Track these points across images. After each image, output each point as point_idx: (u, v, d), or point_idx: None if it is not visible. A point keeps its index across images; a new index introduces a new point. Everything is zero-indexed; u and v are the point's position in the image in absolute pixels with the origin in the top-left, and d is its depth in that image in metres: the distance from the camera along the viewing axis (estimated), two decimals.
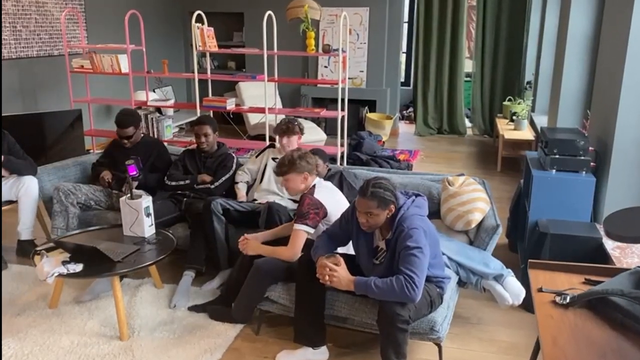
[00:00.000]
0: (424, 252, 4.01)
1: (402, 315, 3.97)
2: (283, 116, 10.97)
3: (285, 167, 4.95)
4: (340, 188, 5.78)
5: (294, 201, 5.84)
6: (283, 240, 5.03)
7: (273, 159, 6.22)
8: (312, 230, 4.82)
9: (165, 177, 6.36)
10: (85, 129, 9.49)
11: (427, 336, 4.33)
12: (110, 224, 5.90)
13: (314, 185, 4.99)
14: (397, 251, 4.10)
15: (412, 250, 3.99)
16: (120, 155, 6.29)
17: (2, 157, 6.16)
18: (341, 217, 4.59)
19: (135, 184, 5.86)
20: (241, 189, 6.30)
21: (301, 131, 6.27)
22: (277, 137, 6.28)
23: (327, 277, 4.19)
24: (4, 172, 6.22)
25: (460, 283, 5.03)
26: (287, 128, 6.20)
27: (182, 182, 6.27)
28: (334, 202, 4.98)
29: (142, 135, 6.71)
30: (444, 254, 4.75)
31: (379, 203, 4.10)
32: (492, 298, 5.01)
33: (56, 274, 4.67)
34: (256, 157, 6.41)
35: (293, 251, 4.77)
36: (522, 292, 4.86)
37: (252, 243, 5.01)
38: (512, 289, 4.88)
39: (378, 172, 6.21)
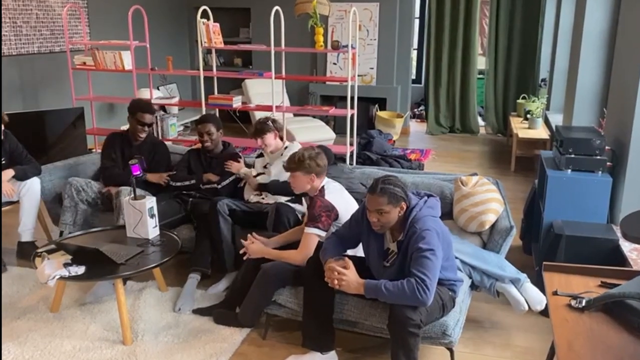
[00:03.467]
0: (436, 254, 4.01)
1: (414, 319, 3.96)
2: (291, 115, 11.04)
3: (294, 164, 4.93)
4: None
5: (299, 202, 5.86)
6: (292, 244, 5.05)
7: (264, 167, 6.25)
8: (323, 234, 4.81)
9: (170, 179, 6.37)
10: (88, 128, 9.52)
11: (439, 340, 4.33)
12: (113, 225, 5.92)
13: (323, 187, 4.99)
14: (408, 253, 4.09)
15: (424, 252, 3.99)
16: (125, 153, 6.31)
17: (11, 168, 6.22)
18: (351, 219, 4.59)
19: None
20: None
21: (276, 128, 6.24)
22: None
23: (335, 281, 4.19)
24: (8, 190, 6.24)
25: (473, 286, 5.03)
26: (256, 129, 6.19)
27: (187, 183, 6.27)
28: (344, 203, 4.98)
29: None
30: (456, 257, 4.75)
31: (390, 199, 4.09)
32: (506, 301, 5.01)
33: (58, 277, 4.68)
34: (253, 167, 6.41)
35: (304, 255, 4.75)
36: (544, 299, 4.83)
37: (255, 246, 5.01)
38: (533, 297, 4.87)
39: (389, 172, 6.21)
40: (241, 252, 5.06)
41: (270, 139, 6.20)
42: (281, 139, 6.31)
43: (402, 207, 4.15)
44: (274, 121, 6.24)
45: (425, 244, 4.00)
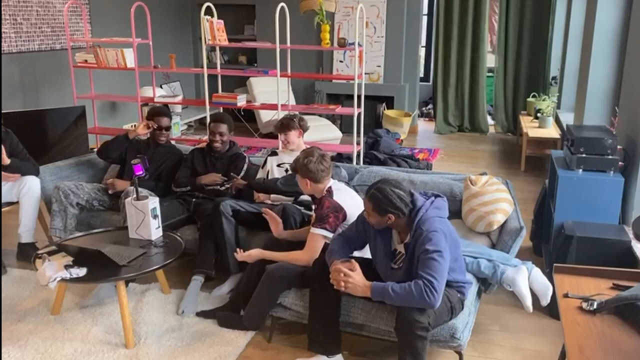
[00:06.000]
0: (443, 255, 4.01)
1: (422, 321, 3.97)
2: (296, 113, 11.03)
3: (294, 165, 5.01)
4: None
5: (304, 205, 5.87)
6: (298, 246, 5.05)
7: (278, 165, 6.25)
8: (330, 235, 4.80)
9: (172, 184, 6.39)
10: (89, 127, 9.51)
11: (447, 344, 4.34)
12: (115, 226, 5.92)
13: (330, 187, 4.98)
14: (415, 255, 4.10)
15: (431, 254, 3.99)
16: (133, 156, 6.30)
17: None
18: (357, 219, 4.60)
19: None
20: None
21: (301, 127, 6.27)
22: (278, 135, 6.33)
23: (342, 283, 4.20)
24: (8, 176, 6.24)
25: (483, 287, 5.03)
26: (282, 124, 6.23)
27: (184, 189, 6.29)
28: (353, 203, 4.97)
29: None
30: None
31: (374, 206, 4.18)
32: (515, 304, 5.02)
33: (59, 279, 4.68)
34: (262, 167, 6.41)
35: (310, 256, 4.75)
36: (549, 289, 4.85)
37: (254, 251, 5.05)
38: (539, 286, 4.87)
39: (397, 172, 6.22)
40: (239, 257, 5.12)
41: (294, 137, 6.22)
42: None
43: (390, 218, 4.18)
44: (300, 119, 6.27)
45: (432, 246, 4.01)
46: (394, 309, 4.17)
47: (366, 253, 4.65)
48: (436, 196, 4.36)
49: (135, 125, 10.82)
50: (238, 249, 5.19)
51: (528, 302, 4.80)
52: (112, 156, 6.70)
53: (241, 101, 9.31)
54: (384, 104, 13.15)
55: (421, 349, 4.02)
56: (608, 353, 2.74)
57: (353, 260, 4.33)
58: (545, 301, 4.88)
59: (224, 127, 6.33)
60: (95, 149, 9.27)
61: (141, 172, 5.60)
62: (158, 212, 5.50)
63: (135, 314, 5.37)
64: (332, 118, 12.72)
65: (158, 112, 6.65)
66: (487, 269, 4.91)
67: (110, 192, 6.38)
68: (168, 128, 6.63)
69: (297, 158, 4.99)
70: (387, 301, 4.11)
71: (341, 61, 13.42)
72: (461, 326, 4.31)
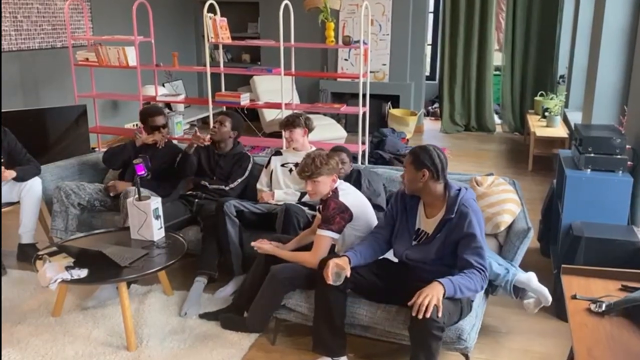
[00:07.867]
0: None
1: (437, 321, 3.95)
2: (302, 112, 11.05)
3: (319, 168, 4.82)
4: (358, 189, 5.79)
5: (306, 204, 5.88)
6: (305, 248, 5.06)
7: (282, 165, 6.28)
8: (336, 236, 4.82)
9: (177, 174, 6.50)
10: (90, 126, 9.51)
11: (453, 346, 4.33)
12: (116, 227, 5.93)
13: (336, 188, 4.96)
14: (460, 232, 4.20)
15: (480, 243, 4.16)
16: (134, 157, 6.28)
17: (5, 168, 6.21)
18: (389, 208, 4.70)
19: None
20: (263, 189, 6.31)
21: (307, 126, 6.30)
22: (282, 132, 6.36)
23: (426, 306, 3.99)
24: (6, 175, 6.24)
25: (490, 289, 5.02)
26: (288, 121, 6.27)
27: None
28: (358, 203, 4.97)
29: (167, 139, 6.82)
30: None
31: (413, 159, 4.28)
32: (522, 306, 5.01)
33: (59, 280, 4.68)
34: (265, 167, 6.42)
35: (317, 258, 4.71)
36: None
37: (267, 245, 5.03)
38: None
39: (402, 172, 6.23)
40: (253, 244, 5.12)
41: (299, 135, 6.25)
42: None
43: (424, 173, 4.25)
44: (307, 119, 6.31)
45: (479, 233, 4.18)
46: (401, 311, 4.18)
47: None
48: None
49: (137, 125, 10.86)
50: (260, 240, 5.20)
51: (547, 294, 4.87)
52: (118, 164, 6.69)
53: (244, 100, 9.32)
54: (389, 103, 13.15)
55: (435, 349, 4.02)
56: (617, 355, 2.74)
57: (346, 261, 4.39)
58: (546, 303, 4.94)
59: (225, 119, 6.38)
60: (97, 149, 9.34)
61: (143, 172, 5.60)
62: (160, 212, 5.49)
63: (137, 315, 5.37)
64: (337, 117, 12.70)
65: (151, 112, 6.69)
66: (499, 269, 4.91)
67: (111, 194, 6.39)
68: (165, 126, 6.66)
69: (308, 163, 4.85)
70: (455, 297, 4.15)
71: (346, 59, 13.42)
72: (468, 328, 4.31)
